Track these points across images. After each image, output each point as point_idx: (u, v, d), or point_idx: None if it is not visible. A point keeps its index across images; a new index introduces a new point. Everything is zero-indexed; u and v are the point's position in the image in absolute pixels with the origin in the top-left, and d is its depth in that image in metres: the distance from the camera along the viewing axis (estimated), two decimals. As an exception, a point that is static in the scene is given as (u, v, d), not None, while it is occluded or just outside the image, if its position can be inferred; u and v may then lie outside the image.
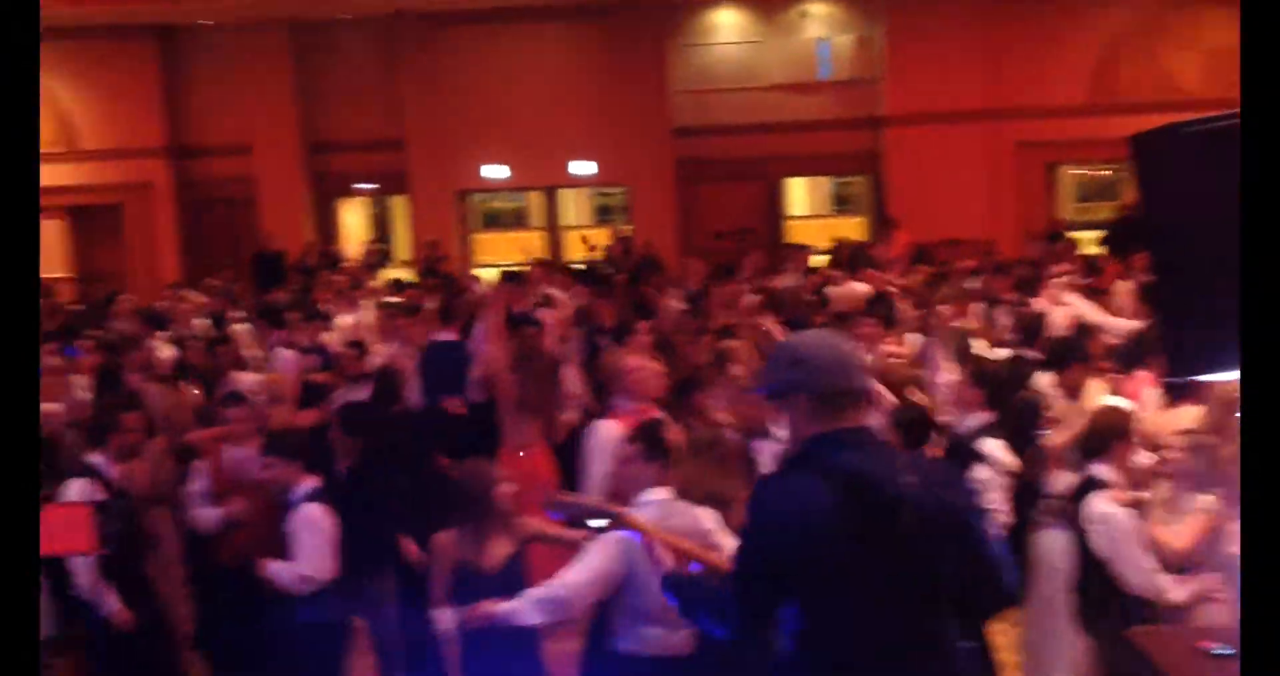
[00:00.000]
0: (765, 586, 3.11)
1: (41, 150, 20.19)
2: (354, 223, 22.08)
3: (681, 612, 3.44)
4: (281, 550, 5.55)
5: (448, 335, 8.99)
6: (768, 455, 5.92)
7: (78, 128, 20.38)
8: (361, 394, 8.05)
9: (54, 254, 20.37)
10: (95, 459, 6.07)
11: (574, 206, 21.80)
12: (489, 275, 14.66)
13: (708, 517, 4.58)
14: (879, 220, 19.04)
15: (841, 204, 22.83)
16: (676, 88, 19.89)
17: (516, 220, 22.75)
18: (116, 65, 20.09)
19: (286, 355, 9.31)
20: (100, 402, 7.15)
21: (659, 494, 4.59)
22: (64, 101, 20.31)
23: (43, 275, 18.12)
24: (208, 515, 6.31)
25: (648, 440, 4.73)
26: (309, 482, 5.62)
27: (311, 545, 5.41)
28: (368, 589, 6.14)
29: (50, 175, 20.18)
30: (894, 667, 3.02)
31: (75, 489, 5.74)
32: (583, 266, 13.89)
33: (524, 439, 6.72)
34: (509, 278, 12.34)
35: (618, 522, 4.03)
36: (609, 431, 6.11)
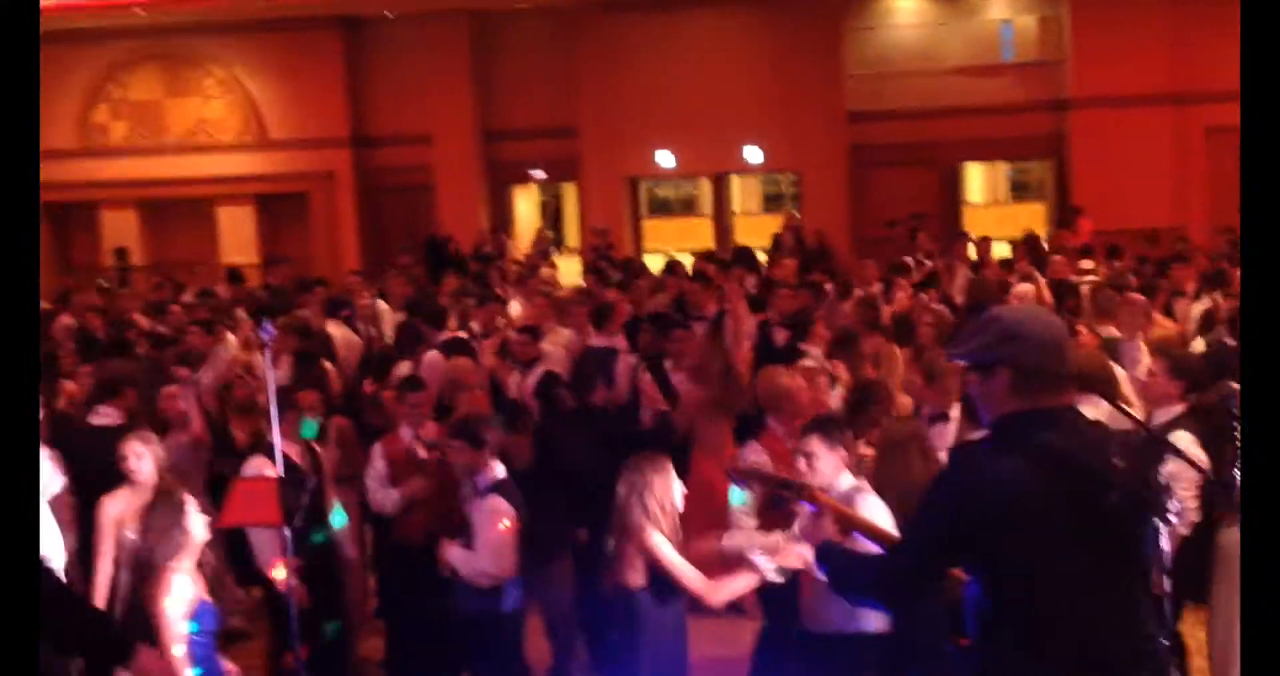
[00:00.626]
0: (940, 557, 3.06)
1: (232, 141, 21.17)
2: (526, 210, 22.42)
3: (831, 582, 3.39)
4: (459, 530, 5.63)
5: (602, 337, 9.05)
6: (946, 438, 5.77)
7: (266, 119, 21.18)
8: (531, 379, 8.14)
9: (244, 239, 21.27)
10: (277, 437, 6.24)
11: (743, 193, 21.68)
12: (656, 262, 14.64)
13: (885, 512, 4.50)
14: (1061, 207, 18.38)
15: (1020, 190, 22.14)
16: (850, 71, 19.56)
17: (685, 207, 22.75)
18: (302, 58, 20.80)
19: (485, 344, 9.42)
20: (287, 384, 7.37)
21: (847, 481, 4.58)
22: (253, 94, 21.13)
23: (234, 260, 18.94)
24: (387, 495, 6.44)
25: (824, 428, 4.73)
26: (495, 471, 5.64)
27: (495, 540, 5.45)
28: (544, 574, 6.18)
29: (240, 165, 21.12)
30: (1091, 647, 2.92)
31: (257, 465, 5.91)
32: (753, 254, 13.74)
33: (718, 440, 6.63)
34: (672, 268, 12.32)
35: (800, 493, 3.97)
36: (756, 458, 5.97)
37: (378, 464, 6.53)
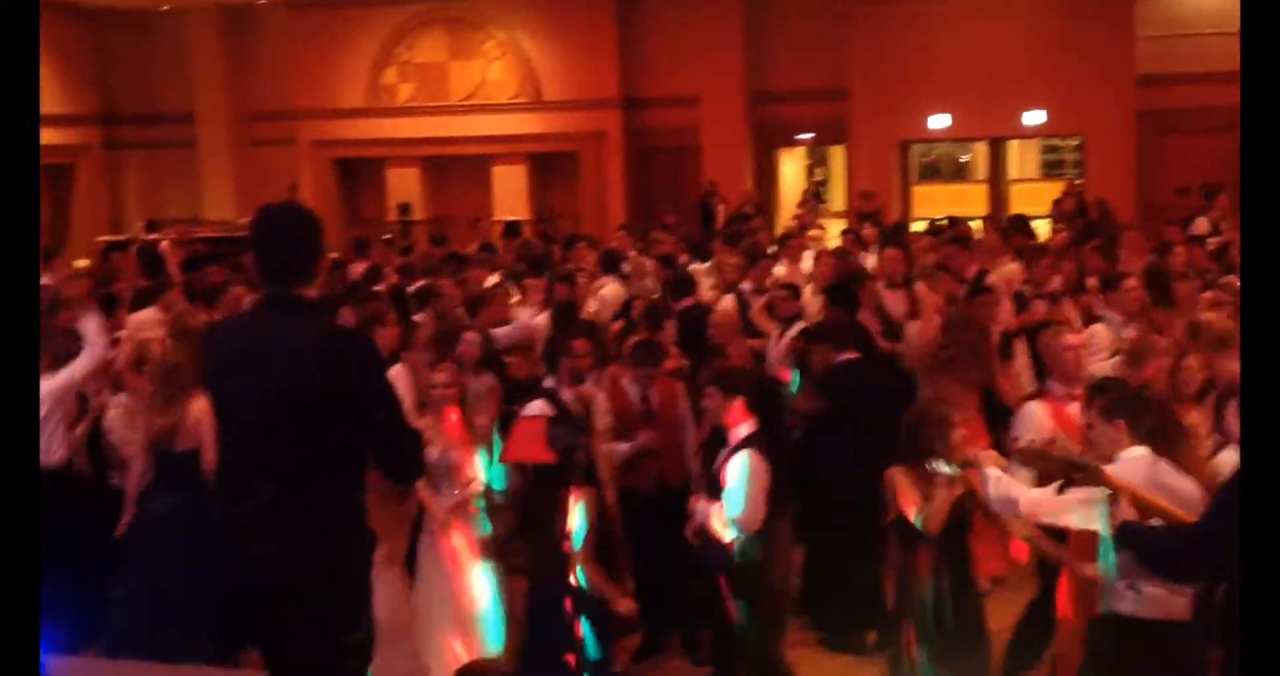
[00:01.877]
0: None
1: (509, 102, 21.85)
2: (791, 173, 22.22)
3: (1137, 560, 3.18)
4: (697, 480, 5.70)
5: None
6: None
7: (541, 81, 21.74)
8: (790, 335, 8.09)
9: (517, 197, 21.96)
10: (549, 381, 6.42)
11: (1020, 158, 20.79)
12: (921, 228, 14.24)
13: (1188, 482, 4.20)
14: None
15: (1331, 160, 20.37)
16: (1141, 32, 18.40)
17: (957, 173, 22.02)
18: (578, 20, 21.23)
19: (727, 301, 9.45)
20: (557, 331, 7.57)
21: (1135, 452, 4.32)
22: (531, 56, 21.73)
23: (507, 216, 19.59)
24: (618, 448, 6.50)
25: (1111, 397, 4.48)
26: (748, 424, 5.60)
27: (748, 493, 5.44)
28: (773, 528, 6.13)
29: (516, 125, 21.80)
30: None
31: (535, 406, 6.11)
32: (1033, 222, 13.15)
33: (963, 412, 6.42)
34: (935, 233, 11.92)
35: (1090, 477, 3.75)
36: (1037, 416, 5.72)
37: (604, 417, 6.60)
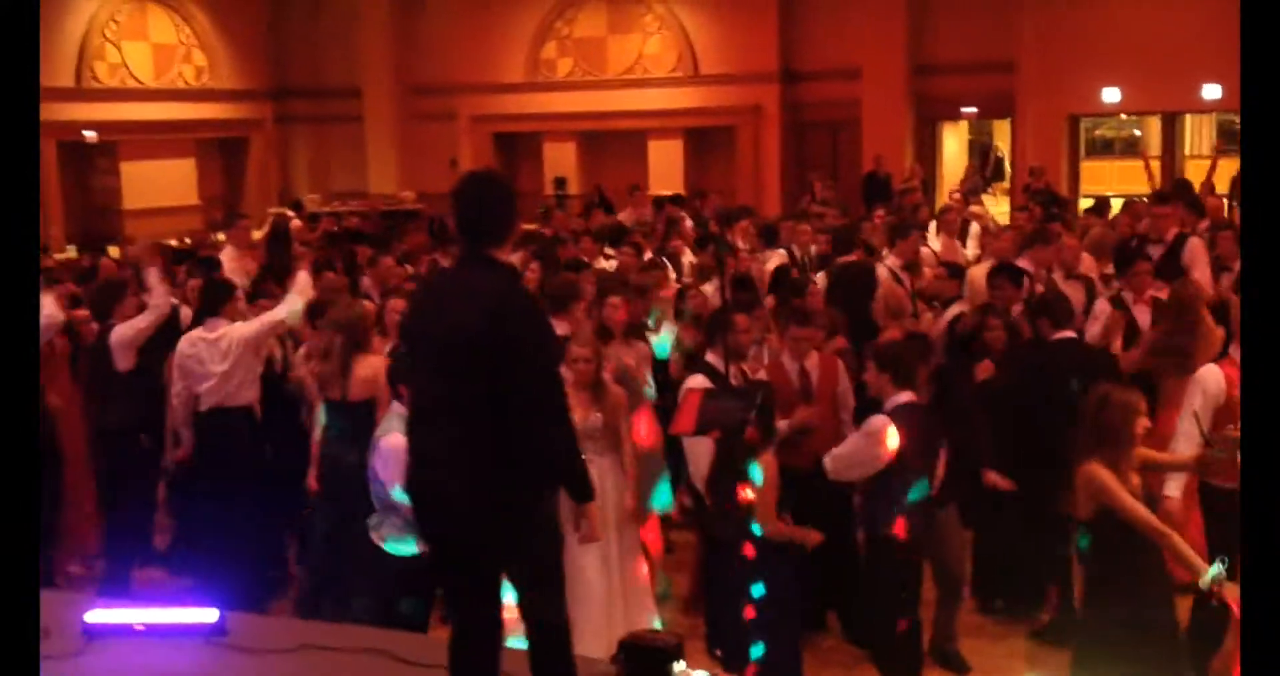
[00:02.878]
0: None
1: (665, 76, 21.84)
2: (953, 148, 21.73)
3: None
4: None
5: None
6: None
7: (699, 54, 21.67)
8: (946, 316, 7.93)
9: (672, 171, 21.97)
10: (711, 357, 6.42)
11: (1196, 133, 19.93)
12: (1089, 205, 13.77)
13: None
14: None
15: None
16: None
17: (1128, 148, 21.24)
18: (739, -7, 21.10)
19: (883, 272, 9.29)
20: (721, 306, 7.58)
21: None
22: (688, 30, 21.67)
23: (661, 191, 19.63)
24: (777, 425, 6.46)
25: None
26: (903, 396, 5.56)
27: (856, 444, 5.44)
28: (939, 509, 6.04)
29: (672, 99, 21.80)
30: None
31: (696, 380, 6.14)
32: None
33: (1178, 394, 6.20)
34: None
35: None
36: (1212, 379, 5.50)
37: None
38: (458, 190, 3.97)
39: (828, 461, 5.68)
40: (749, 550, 5.28)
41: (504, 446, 3.70)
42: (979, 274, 9.23)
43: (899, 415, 5.49)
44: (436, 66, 23.58)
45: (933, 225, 11.45)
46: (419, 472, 3.85)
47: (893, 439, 5.44)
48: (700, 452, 5.87)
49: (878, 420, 5.52)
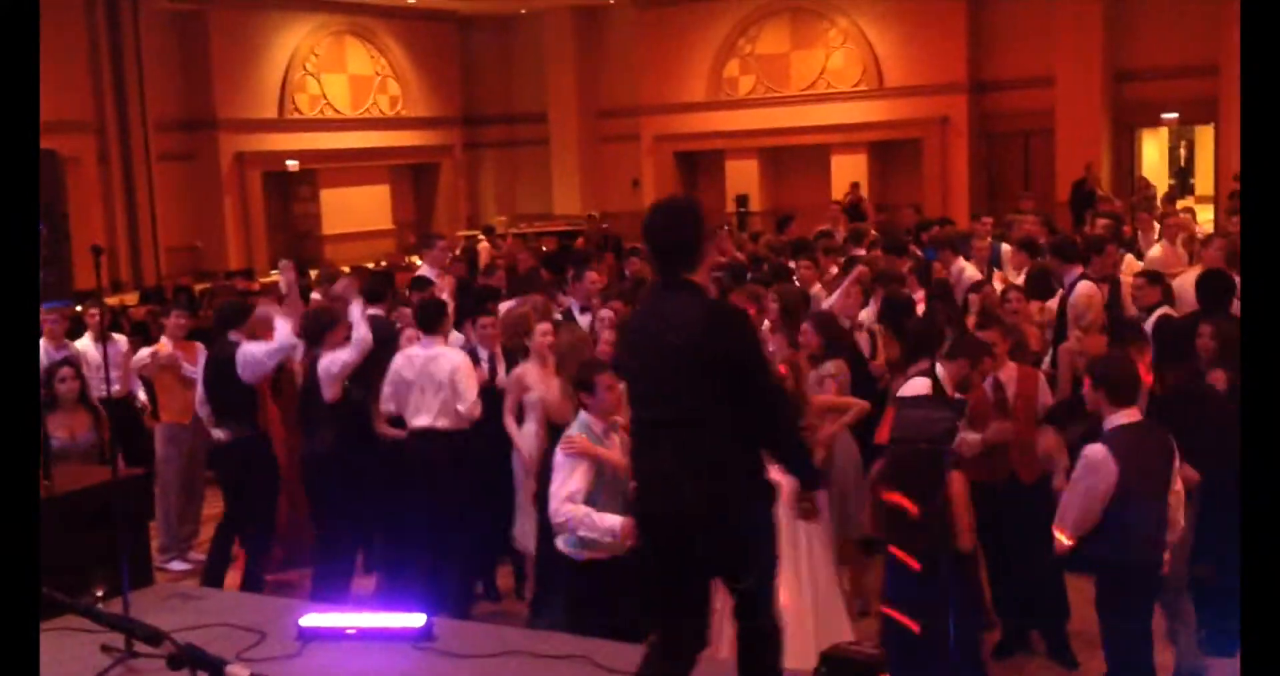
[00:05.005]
0: None
1: (849, 89, 21.62)
2: (1153, 154, 20.87)
3: None
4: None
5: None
6: None
7: (884, 67, 21.39)
8: (1146, 325, 7.60)
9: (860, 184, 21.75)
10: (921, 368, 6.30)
11: None
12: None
13: None
14: None
15: None
16: None
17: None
18: (924, 4, 20.73)
19: (1083, 286, 8.98)
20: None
21: None
22: (873, 42, 21.42)
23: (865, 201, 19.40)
24: (963, 438, 6.25)
25: None
26: (1125, 415, 5.22)
27: (1076, 492, 5.14)
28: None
29: (856, 113, 21.58)
30: None
31: (914, 385, 6.04)
32: None
33: None
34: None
35: None
36: None
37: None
38: (649, 220, 4.00)
39: (1062, 533, 5.34)
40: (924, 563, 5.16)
41: (733, 455, 3.80)
42: (1188, 282, 8.87)
43: (1117, 437, 5.19)
44: (619, 89, 23.92)
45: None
46: (651, 486, 3.93)
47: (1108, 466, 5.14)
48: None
49: (1092, 451, 5.20)
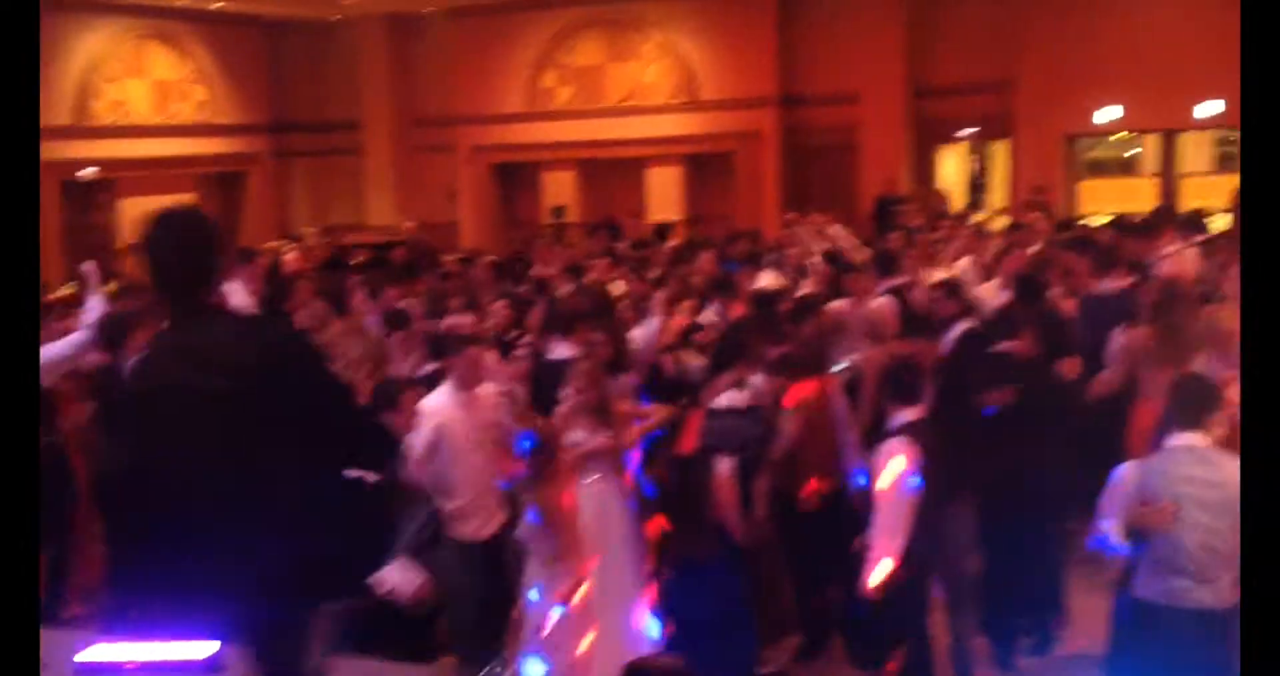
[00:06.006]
0: None
1: (664, 103, 21.90)
2: (951, 169, 21.74)
3: None
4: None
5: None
6: None
7: (698, 80, 21.72)
8: (950, 334, 7.91)
9: (671, 198, 22.01)
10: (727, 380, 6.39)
11: (1192, 152, 19.93)
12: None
13: None
14: None
15: None
16: (1331, 15, 17.42)
17: (1124, 167, 21.24)
18: (737, 18, 21.15)
19: (882, 299, 9.29)
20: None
21: None
22: (688, 56, 21.73)
23: (660, 218, 19.66)
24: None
25: None
26: (906, 414, 5.49)
27: (887, 492, 5.35)
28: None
29: (671, 126, 21.83)
30: None
31: (724, 398, 6.12)
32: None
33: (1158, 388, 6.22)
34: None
35: None
36: None
37: None
38: (154, 235, 3.29)
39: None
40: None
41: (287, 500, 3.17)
42: (988, 292, 9.28)
43: (903, 432, 5.44)
44: (436, 98, 23.67)
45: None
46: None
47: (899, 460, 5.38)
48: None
49: (886, 446, 5.44)
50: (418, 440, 5.87)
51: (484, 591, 6.01)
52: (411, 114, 24.24)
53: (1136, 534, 4.50)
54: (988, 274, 9.91)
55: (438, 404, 6.12)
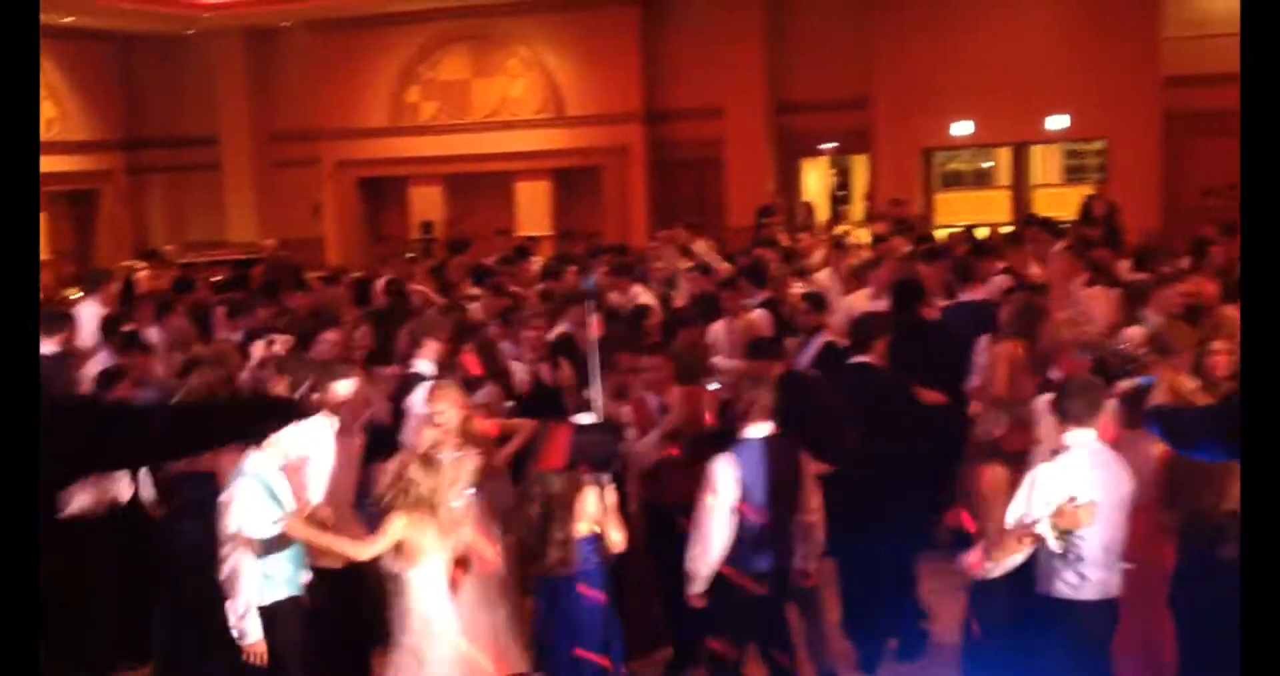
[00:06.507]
0: None
1: (531, 118, 21.89)
2: (814, 183, 22.16)
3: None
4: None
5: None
6: None
7: (564, 96, 21.77)
8: (813, 347, 8.05)
9: (540, 213, 21.98)
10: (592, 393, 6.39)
11: (1043, 164, 20.67)
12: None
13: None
14: None
15: (1362, 159, 20.16)
16: (1168, 33, 18.25)
17: (980, 180, 21.90)
18: (601, 35, 21.26)
19: (757, 310, 9.39)
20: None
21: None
22: (554, 72, 21.76)
23: (530, 232, 19.62)
24: (649, 454, 6.45)
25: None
26: (754, 430, 5.53)
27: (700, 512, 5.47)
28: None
29: (539, 141, 21.82)
30: None
31: (582, 416, 6.09)
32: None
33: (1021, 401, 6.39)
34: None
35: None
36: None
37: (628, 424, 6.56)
38: None
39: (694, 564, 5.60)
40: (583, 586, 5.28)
41: None
42: (854, 303, 9.47)
43: (741, 450, 5.45)
44: (298, 112, 23.27)
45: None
46: None
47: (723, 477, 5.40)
48: None
49: (712, 466, 5.48)
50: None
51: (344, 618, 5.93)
52: (272, 128, 23.79)
53: (1060, 532, 4.59)
54: (856, 284, 10.10)
55: (309, 433, 5.97)
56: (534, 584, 5.73)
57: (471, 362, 7.07)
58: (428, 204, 22.75)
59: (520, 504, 5.50)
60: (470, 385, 6.66)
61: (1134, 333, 7.51)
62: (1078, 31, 18.38)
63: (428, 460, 5.34)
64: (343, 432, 6.05)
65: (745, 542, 5.47)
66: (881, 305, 9.21)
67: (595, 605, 5.37)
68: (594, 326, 7.86)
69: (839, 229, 17.05)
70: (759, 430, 5.55)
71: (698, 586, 5.49)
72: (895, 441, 6.46)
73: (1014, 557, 4.74)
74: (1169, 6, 18.38)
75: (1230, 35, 17.45)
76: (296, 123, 23.27)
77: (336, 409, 5.93)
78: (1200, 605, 4.84)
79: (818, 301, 8.91)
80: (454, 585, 5.35)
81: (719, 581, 5.52)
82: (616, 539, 5.36)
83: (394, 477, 5.27)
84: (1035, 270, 10.35)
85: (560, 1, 20.89)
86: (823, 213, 20.82)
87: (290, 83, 23.50)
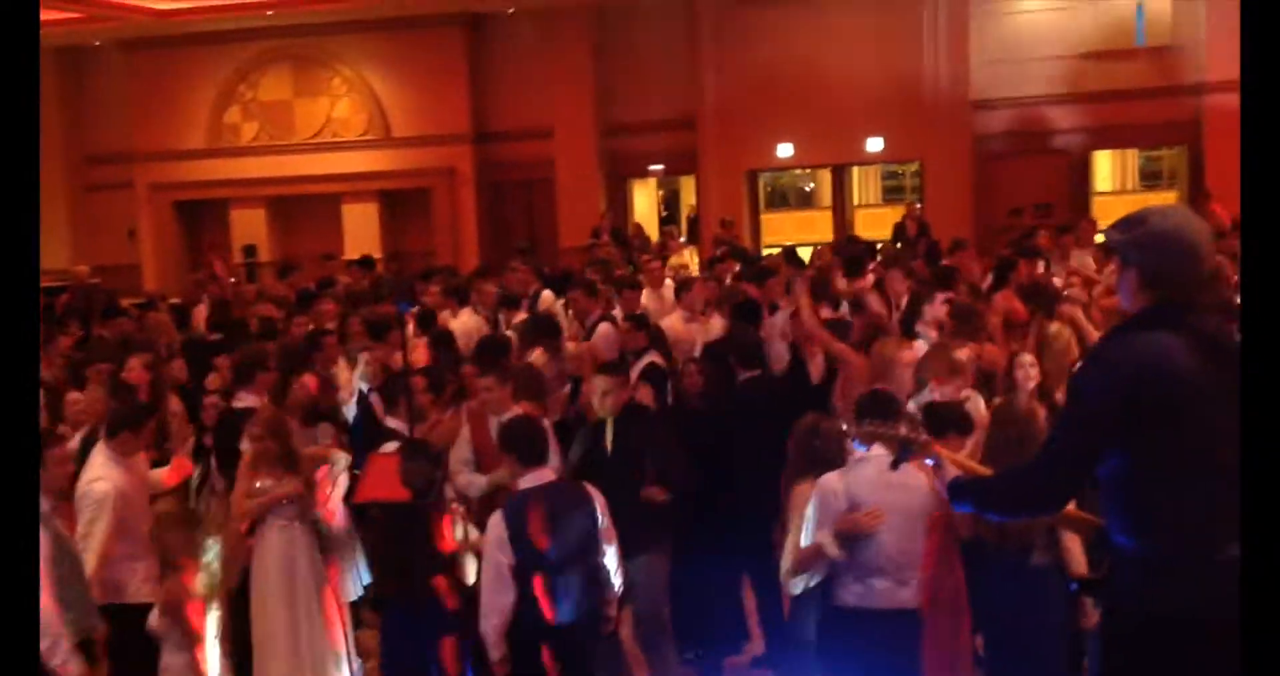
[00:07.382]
0: (1097, 439, 3.20)
1: (357, 139, 21.59)
2: (643, 203, 22.43)
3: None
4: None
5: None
6: None
7: (390, 117, 21.54)
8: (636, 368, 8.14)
9: (368, 235, 21.67)
10: (393, 422, 6.31)
11: (862, 185, 21.38)
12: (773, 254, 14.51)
13: None
14: (1194, 195, 17.71)
15: (1151, 179, 21.42)
16: (977, 59, 19.11)
17: (804, 200, 22.53)
18: (427, 56, 21.12)
19: (603, 328, 9.38)
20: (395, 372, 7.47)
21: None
22: (379, 92, 21.51)
23: (358, 255, 19.31)
24: (472, 480, 6.40)
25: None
26: (532, 478, 5.34)
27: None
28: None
29: (365, 162, 21.53)
30: (1219, 533, 3.10)
31: (391, 447, 5.99)
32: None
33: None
34: (791, 258, 12.12)
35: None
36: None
37: (464, 449, 6.52)
38: None
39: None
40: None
41: None
42: (675, 323, 9.60)
43: (518, 501, 5.13)
44: (110, 134, 22.46)
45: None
46: None
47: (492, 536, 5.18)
48: None
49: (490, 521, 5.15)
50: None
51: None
52: (82, 151, 22.91)
53: (845, 540, 4.54)
54: (686, 305, 10.18)
55: (103, 470, 5.74)
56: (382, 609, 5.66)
57: (301, 390, 6.94)
58: (250, 227, 22.19)
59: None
60: (309, 413, 6.56)
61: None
62: (892, 57, 19.09)
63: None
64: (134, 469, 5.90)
65: (530, 599, 5.01)
66: (695, 326, 9.39)
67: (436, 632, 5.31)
68: (416, 349, 7.81)
69: (668, 250, 17.26)
70: (535, 478, 5.18)
71: (493, 652, 5.04)
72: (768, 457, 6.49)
73: (809, 571, 4.74)
74: (976, 34, 19.22)
75: (1030, 59, 18.56)
76: (109, 145, 22.46)
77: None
78: (1008, 614, 4.93)
79: (640, 321, 8.98)
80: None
81: (517, 644, 5.10)
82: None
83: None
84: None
85: (384, 21, 20.69)
86: (652, 233, 21.06)
87: (103, 103, 22.68)
